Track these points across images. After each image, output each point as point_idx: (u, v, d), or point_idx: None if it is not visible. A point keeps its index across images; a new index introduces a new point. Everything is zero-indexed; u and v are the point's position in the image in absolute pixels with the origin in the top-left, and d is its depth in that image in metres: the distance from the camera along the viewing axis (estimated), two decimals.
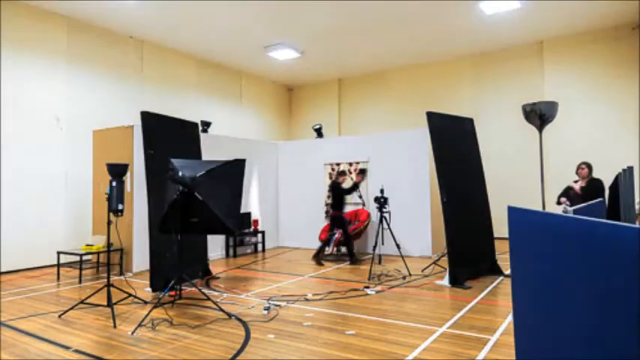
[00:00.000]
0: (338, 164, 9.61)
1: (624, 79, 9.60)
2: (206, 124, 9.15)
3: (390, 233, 7.31)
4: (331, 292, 5.75)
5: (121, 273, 7.06)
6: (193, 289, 5.75)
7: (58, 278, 6.93)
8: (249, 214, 9.30)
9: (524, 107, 7.12)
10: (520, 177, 10.61)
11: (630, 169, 4.42)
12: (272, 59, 11.50)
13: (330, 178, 9.69)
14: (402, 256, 7.05)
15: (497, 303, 5.14)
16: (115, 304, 4.99)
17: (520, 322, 1.92)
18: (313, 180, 9.91)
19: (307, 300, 5.39)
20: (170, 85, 10.66)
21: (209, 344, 3.87)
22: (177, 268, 5.06)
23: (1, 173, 7.44)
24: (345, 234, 7.84)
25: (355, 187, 7.62)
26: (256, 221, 9.50)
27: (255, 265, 8.03)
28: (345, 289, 5.95)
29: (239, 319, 4.59)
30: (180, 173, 4.72)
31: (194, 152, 6.85)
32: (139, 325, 4.34)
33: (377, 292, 5.73)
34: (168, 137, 6.33)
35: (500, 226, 8.61)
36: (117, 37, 9.48)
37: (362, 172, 7.98)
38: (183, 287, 5.46)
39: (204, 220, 4.93)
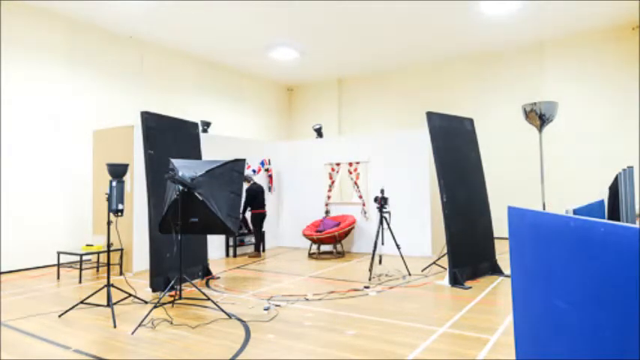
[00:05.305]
0: (338, 164, 9.61)
1: (624, 79, 9.60)
2: (206, 124, 9.16)
3: (390, 233, 7.31)
4: (331, 292, 5.75)
5: (121, 273, 7.06)
6: (193, 289, 5.75)
7: (58, 278, 6.93)
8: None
9: (524, 107, 7.13)
10: (520, 177, 10.61)
11: (630, 169, 4.42)
12: (272, 59, 11.50)
13: (330, 178, 9.70)
14: (402, 256, 7.05)
15: (497, 303, 5.14)
16: (115, 304, 4.99)
17: (520, 322, 1.92)
18: (313, 180, 9.91)
19: (307, 300, 5.38)
20: (170, 85, 10.66)
21: (209, 344, 3.87)
22: (177, 268, 5.06)
23: (1, 173, 7.44)
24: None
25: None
26: None
27: (255, 265, 8.03)
28: (345, 289, 5.95)
29: (239, 319, 4.59)
30: (180, 173, 4.73)
31: (194, 152, 6.85)
32: (139, 325, 4.34)
33: (377, 292, 5.73)
34: (168, 137, 6.33)
35: (501, 226, 8.65)
36: (117, 37, 9.48)
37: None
38: (183, 287, 5.46)
39: (204, 220, 4.92)
